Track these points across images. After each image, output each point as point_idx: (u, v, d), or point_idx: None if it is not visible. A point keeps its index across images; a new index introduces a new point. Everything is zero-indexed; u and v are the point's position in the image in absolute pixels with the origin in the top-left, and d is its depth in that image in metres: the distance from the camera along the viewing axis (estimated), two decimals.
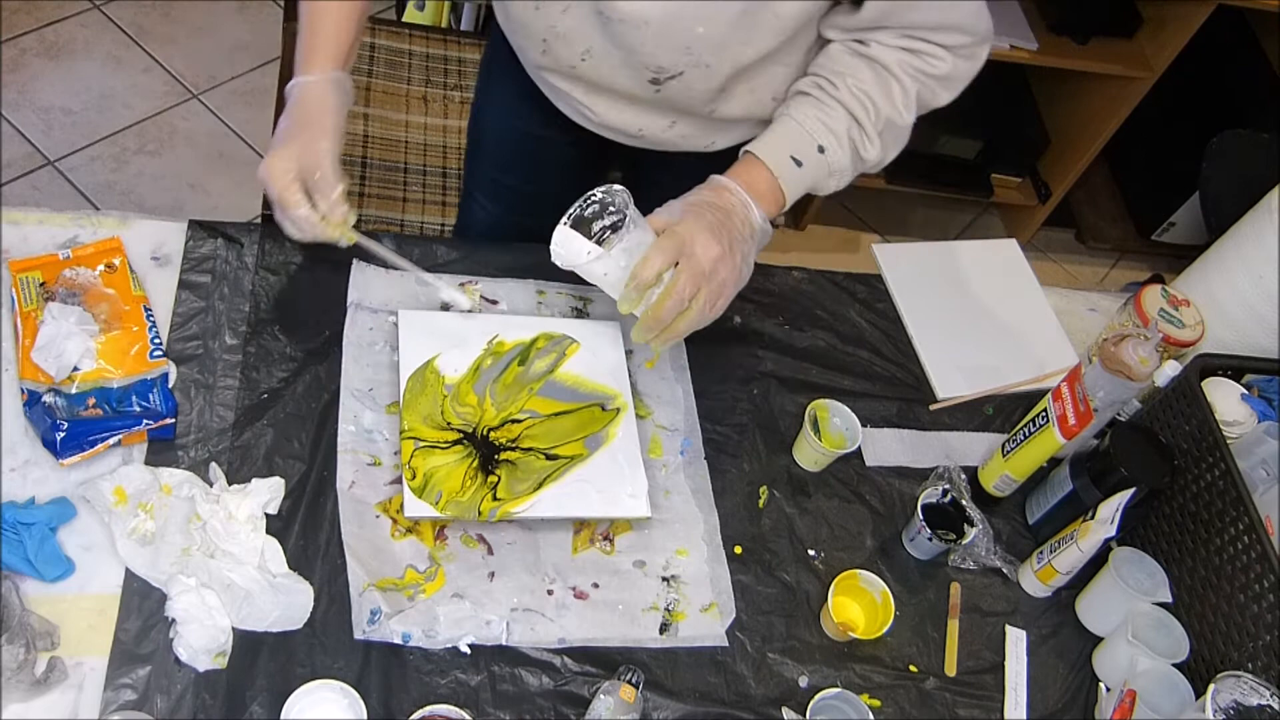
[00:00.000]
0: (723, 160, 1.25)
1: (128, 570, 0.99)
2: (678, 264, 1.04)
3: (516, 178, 1.48)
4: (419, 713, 0.95)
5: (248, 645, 0.98)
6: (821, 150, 1.12)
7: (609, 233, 1.08)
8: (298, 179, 1.07)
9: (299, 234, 1.10)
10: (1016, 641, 1.20)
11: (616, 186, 1.06)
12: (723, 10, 1.04)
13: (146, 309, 1.14)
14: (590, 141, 1.31)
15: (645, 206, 1.10)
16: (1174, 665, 1.12)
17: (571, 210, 1.08)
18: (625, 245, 1.03)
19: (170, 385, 1.10)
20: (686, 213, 1.07)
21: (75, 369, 1.07)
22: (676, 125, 1.22)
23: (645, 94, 1.17)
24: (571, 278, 1.33)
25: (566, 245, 1.07)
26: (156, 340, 1.11)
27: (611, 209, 1.07)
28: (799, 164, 1.12)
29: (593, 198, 1.07)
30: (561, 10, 1.10)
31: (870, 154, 1.14)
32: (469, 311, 1.22)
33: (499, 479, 1.11)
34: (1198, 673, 1.14)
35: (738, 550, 1.17)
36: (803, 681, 1.10)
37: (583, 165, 1.47)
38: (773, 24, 1.07)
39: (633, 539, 1.15)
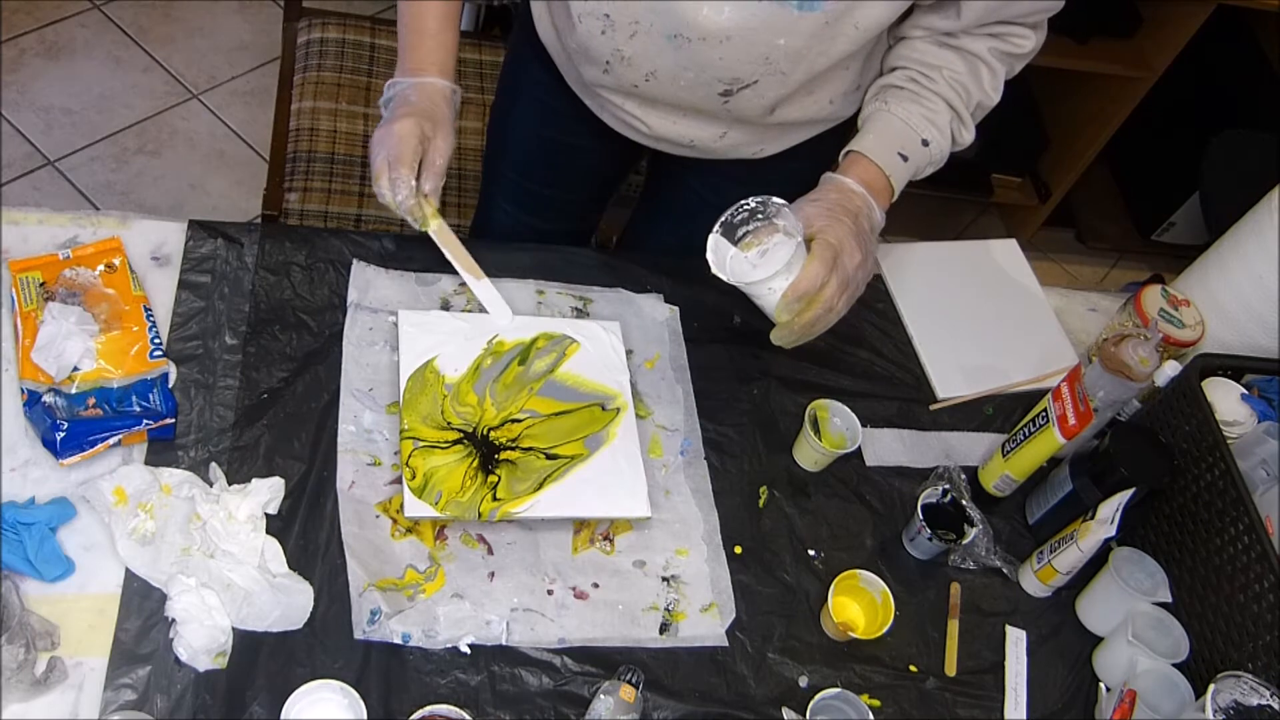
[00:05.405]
0: (764, 166, 1.25)
1: (128, 570, 0.99)
2: None
3: (541, 183, 1.47)
4: (419, 713, 0.95)
5: (248, 645, 0.98)
6: (925, 143, 1.15)
7: (749, 236, 1.08)
8: (418, 149, 1.12)
9: (390, 196, 1.13)
10: (1016, 641, 1.20)
11: (776, 200, 1.06)
12: (805, 22, 1.05)
13: (146, 309, 1.14)
14: (621, 148, 1.31)
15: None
16: (1174, 665, 1.12)
17: (723, 218, 1.08)
18: (789, 260, 1.03)
19: (170, 385, 1.10)
20: (827, 219, 1.07)
21: (75, 369, 1.07)
22: (728, 135, 1.23)
23: (710, 106, 1.17)
24: (571, 277, 1.34)
25: (729, 257, 1.08)
26: (156, 340, 1.11)
27: (759, 215, 1.07)
28: (905, 159, 1.15)
29: (745, 206, 1.07)
30: (630, 35, 1.11)
31: (965, 138, 1.19)
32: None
33: (499, 479, 1.11)
34: (1198, 673, 1.14)
35: (738, 550, 1.17)
36: (803, 681, 1.10)
37: (609, 170, 1.47)
38: (851, 34, 1.08)
39: (633, 539, 1.15)
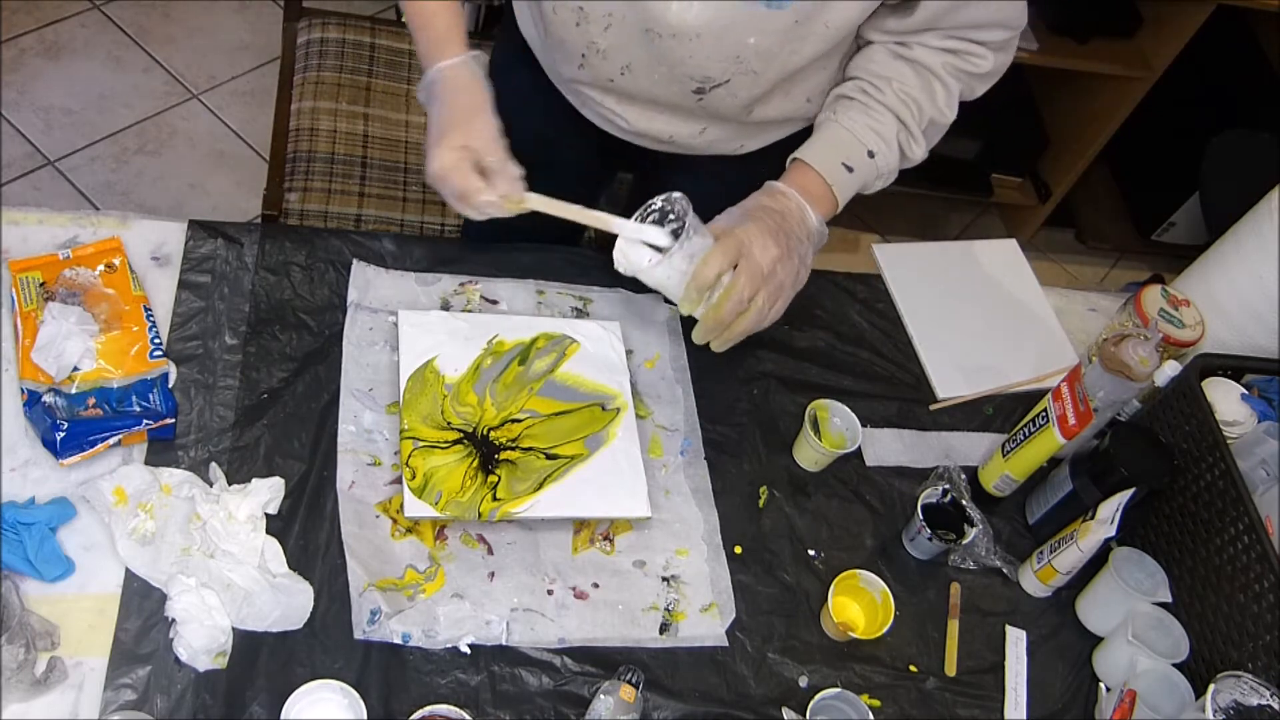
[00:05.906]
0: (746, 163, 1.25)
1: (128, 570, 0.99)
2: (737, 266, 1.05)
3: (528, 179, 1.47)
4: (419, 713, 0.95)
5: (248, 645, 0.98)
6: (871, 155, 1.15)
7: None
8: (474, 168, 1.08)
9: (478, 216, 1.11)
10: (1016, 641, 1.20)
11: (676, 195, 1.07)
12: (775, 20, 1.05)
13: (146, 309, 1.14)
14: (606, 144, 1.30)
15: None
16: (1174, 665, 1.12)
17: (633, 217, 1.09)
18: (686, 250, 1.05)
19: (170, 385, 1.10)
20: (745, 218, 1.08)
21: (75, 369, 1.07)
22: (707, 131, 1.23)
23: (686, 103, 1.17)
24: (571, 278, 1.34)
25: (628, 252, 1.09)
26: (156, 340, 1.11)
27: (671, 216, 1.09)
28: (850, 170, 1.15)
29: (653, 205, 1.09)
30: (604, 28, 1.11)
31: (915, 153, 1.18)
32: (664, 249, 1.11)
33: (499, 479, 1.11)
34: (1198, 673, 1.14)
35: (738, 550, 1.17)
36: (803, 681, 1.10)
37: (595, 166, 1.46)
38: (822, 33, 1.08)
39: (633, 539, 1.15)
